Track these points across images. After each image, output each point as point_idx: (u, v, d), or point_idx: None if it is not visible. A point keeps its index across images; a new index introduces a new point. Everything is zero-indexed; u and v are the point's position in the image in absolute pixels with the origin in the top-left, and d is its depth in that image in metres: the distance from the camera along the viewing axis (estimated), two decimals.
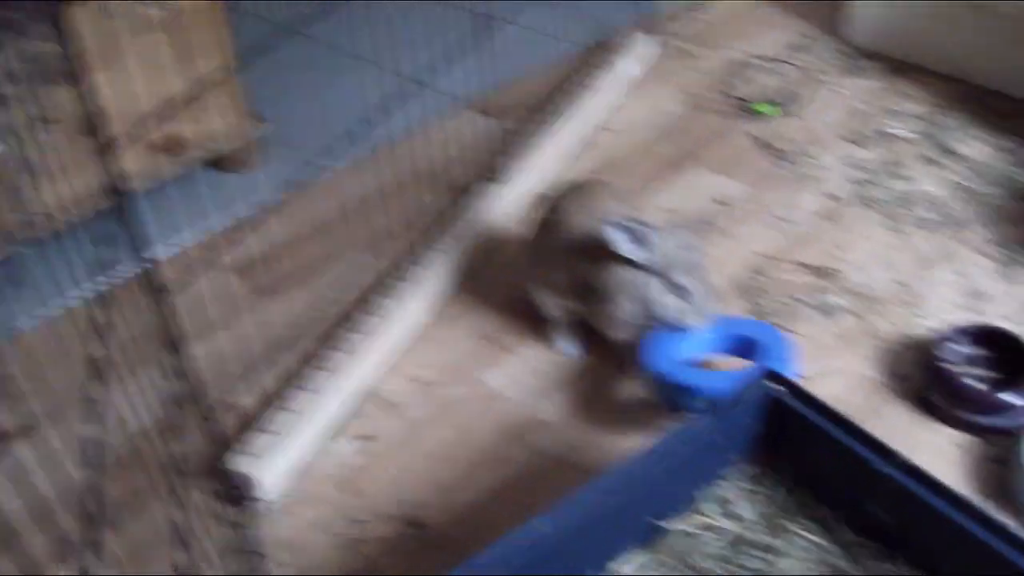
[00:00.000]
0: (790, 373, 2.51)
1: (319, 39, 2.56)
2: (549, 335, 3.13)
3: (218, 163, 3.73)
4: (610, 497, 2.14)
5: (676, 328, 2.78)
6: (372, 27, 2.80)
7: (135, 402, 2.06)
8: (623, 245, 2.72)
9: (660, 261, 2.74)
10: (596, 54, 4.48)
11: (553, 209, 2.99)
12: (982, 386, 2.79)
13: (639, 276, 2.77)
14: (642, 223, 2.74)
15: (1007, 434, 2.70)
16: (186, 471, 2.22)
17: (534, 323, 3.15)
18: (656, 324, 2.80)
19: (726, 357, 2.87)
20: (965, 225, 3.45)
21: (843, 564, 2.20)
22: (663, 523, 2.29)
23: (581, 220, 2.91)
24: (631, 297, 2.80)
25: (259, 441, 2.68)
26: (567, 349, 3.10)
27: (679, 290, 2.74)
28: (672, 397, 2.67)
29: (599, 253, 2.76)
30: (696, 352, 2.83)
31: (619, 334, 2.92)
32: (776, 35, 4.75)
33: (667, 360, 2.71)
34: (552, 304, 3.05)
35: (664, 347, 2.75)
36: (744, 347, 2.80)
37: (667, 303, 2.76)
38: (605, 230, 2.72)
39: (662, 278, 2.75)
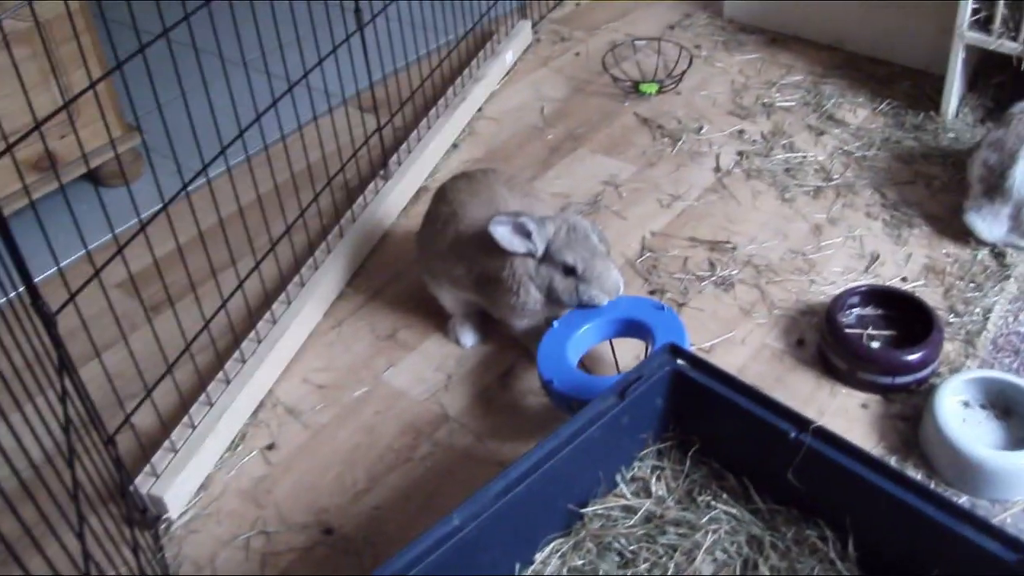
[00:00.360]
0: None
1: (189, 45, 2.49)
2: (448, 327, 3.10)
3: (95, 177, 3.65)
4: (523, 487, 2.11)
5: (581, 306, 2.78)
6: (243, 29, 2.75)
7: (29, 429, 1.98)
8: (508, 241, 2.73)
9: (548, 247, 2.75)
10: (473, 43, 4.46)
11: (445, 201, 2.95)
12: (880, 346, 2.81)
13: (530, 264, 2.77)
14: (522, 215, 2.73)
15: (909, 391, 2.73)
16: (88, 498, 2.15)
17: (432, 318, 3.12)
18: (559, 307, 2.81)
19: (621, 338, 2.86)
20: (852, 190, 3.49)
21: (760, 532, 2.20)
22: (581, 508, 2.27)
23: (474, 211, 2.89)
24: (527, 285, 2.79)
25: (160, 460, 2.61)
26: (465, 340, 3.07)
27: (571, 271, 2.74)
28: (561, 403, 2.66)
29: (493, 245, 2.74)
30: (589, 342, 2.83)
31: (521, 323, 2.90)
32: (654, 15, 4.77)
33: (556, 365, 2.69)
34: (450, 297, 3.01)
35: (555, 347, 2.73)
36: (636, 328, 2.80)
37: (563, 286, 2.76)
38: (491, 231, 2.71)
39: (552, 263, 2.75)
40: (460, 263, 2.90)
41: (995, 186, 3.12)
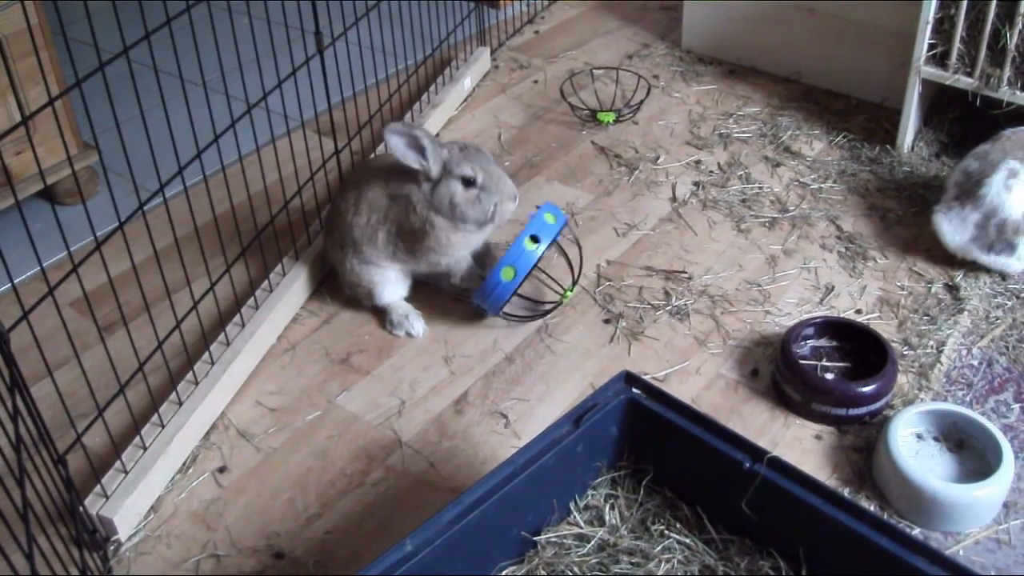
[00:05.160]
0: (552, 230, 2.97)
1: (148, 64, 2.48)
2: (391, 325, 3.16)
3: (51, 194, 3.62)
4: (477, 514, 2.10)
5: (488, 223, 3.00)
6: (203, 50, 2.74)
7: None
8: (402, 153, 2.88)
9: (444, 165, 2.92)
10: (431, 68, 4.46)
11: (349, 184, 3.12)
12: (835, 378, 2.83)
13: (425, 189, 2.94)
14: (417, 129, 2.87)
15: (862, 423, 2.74)
16: (37, 517, 2.12)
17: (387, 342, 3.11)
18: (468, 227, 2.99)
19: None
20: (808, 221, 3.51)
21: (713, 562, 2.20)
22: (534, 536, 2.27)
23: (371, 179, 3.05)
24: (429, 215, 2.95)
25: (110, 481, 2.58)
26: (416, 328, 3.14)
27: (470, 182, 2.92)
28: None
29: (396, 190, 2.98)
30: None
31: (444, 259, 3.06)
32: (613, 44, 4.80)
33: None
34: (386, 277, 3.12)
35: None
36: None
37: (465, 199, 2.93)
38: (386, 138, 2.85)
39: (449, 178, 2.92)
40: (380, 227, 3.04)
41: (969, 191, 3.15)
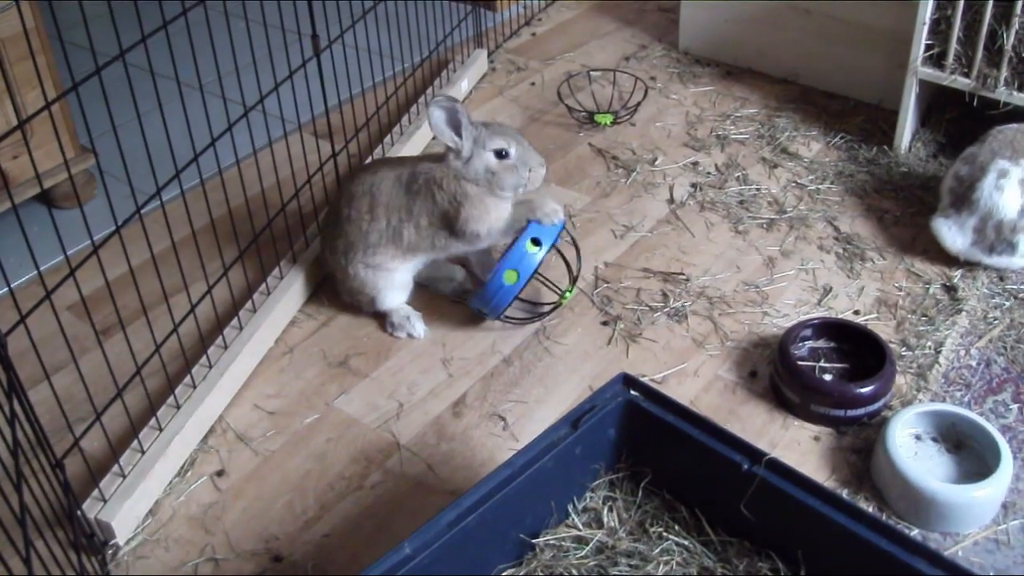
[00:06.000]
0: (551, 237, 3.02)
1: (145, 67, 2.48)
2: (392, 328, 3.17)
3: (48, 198, 3.62)
4: (475, 517, 2.10)
5: (522, 188, 3.04)
6: (199, 53, 2.73)
7: None
8: (440, 128, 2.94)
9: (472, 141, 2.98)
10: (428, 71, 4.46)
11: (356, 185, 3.10)
12: (833, 379, 2.83)
13: (458, 167, 2.98)
14: (457, 104, 2.94)
15: (861, 424, 2.74)
16: (35, 522, 2.12)
17: (384, 345, 3.11)
18: (504, 197, 3.03)
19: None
20: (805, 223, 3.51)
21: (712, 563, 2.20)
22: (533, 538, 2.26)
23: (380, 182, 3.07)
24: (466, 188, 2.98)
25: (108, 484, 2.58)
26: (418, 329, 3.16)
27: (503, 155, 2.98)
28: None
29: (413, 183, 3.02)
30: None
31: (488, 231, 3.05)
32: (610, 46, 4.80)
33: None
34: (395, 280, 3.14)
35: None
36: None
37: (501, 168, 2.98)
38: (430, 111, 2.92)
39: (481, 153, 2.97)
40: (405, 225, 3.05)
41: (963, 197, 3.16)
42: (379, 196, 3.04)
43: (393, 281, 3.12)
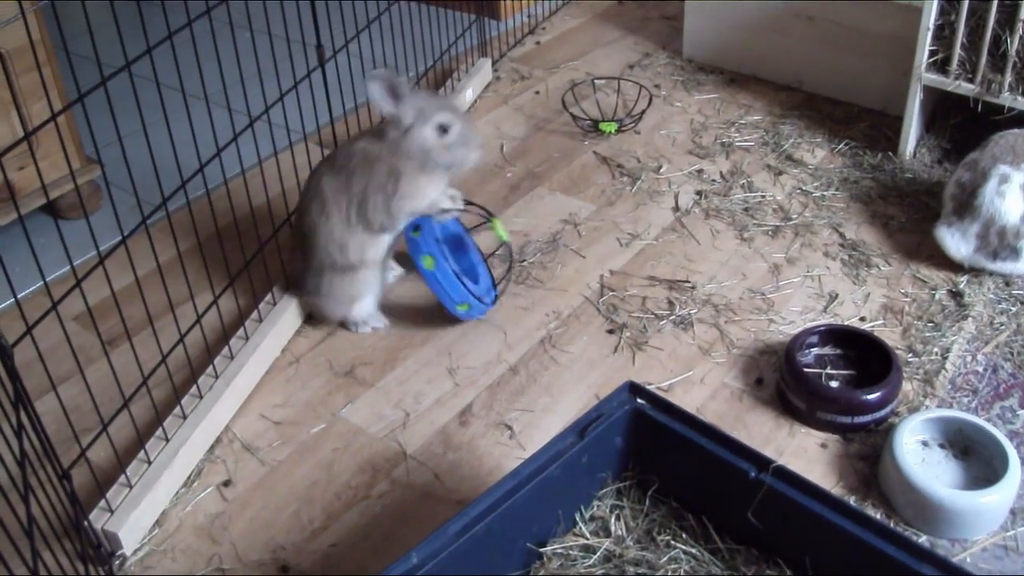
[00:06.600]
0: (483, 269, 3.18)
1: (151, 78, 2.48)
2: (355, 324, 3.21)
3: (54, 209, 3.62)
4: (483, 526, 2.09)
5: (455, 168, 3.05)
6: (204, 64, 2.74)
7: None
8: (380, 97, 2.91)
9: (417, 110, 2.95)
10: (433, 80, 4.46)
11: (310, 188, 3.09)
12: (839, 386, 2.82)
13: (404, 133, 2.96)
14: (395, 76, 2.93)
15: (867, 430, 2.73)
16: (42, 533, 2.13)
17: (391, 355, 3.11)
18: (437, 170, 3.02)
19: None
20: (811, 229, 3.50)
21: (720, 571, 2.19)
22: (540, 547, 2.26)
23: (319, 181, 3.05)
24: (407, 155, 2.96)
25: (115, 495, 2.58)
26: (377, 321, 3.21)
27: (445, 130, 2.95)
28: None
29: (347, 165, 3.01)
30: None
31: (419, 201, 3.04)
32: (614, 54, 4.80)
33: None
34: (363, 286, 3.12)
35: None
36: (457, 242, 3.25)
37: (437, 144, 2.96)
38: (367, 84, 2.89)
39: (423, 125, 2.95)
40: (352, 208, 3.01)
41: (966, 204, 3.16)
42: (324, 192, 3.02)
43: (367, 281, 3.12)
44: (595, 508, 2.36)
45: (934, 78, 3.57)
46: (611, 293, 3.29)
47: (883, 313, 3.14)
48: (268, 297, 3.21)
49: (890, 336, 3.03)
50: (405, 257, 3.25)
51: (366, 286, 3.12)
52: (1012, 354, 2.96)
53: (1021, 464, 2.52)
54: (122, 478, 2.62)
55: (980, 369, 2.92)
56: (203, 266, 2.94)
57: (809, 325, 3.03)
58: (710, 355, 3.04)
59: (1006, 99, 3.45)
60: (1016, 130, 3.26)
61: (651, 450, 2.36)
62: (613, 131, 4.13)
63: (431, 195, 3.03)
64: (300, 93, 3.14)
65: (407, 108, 2.93)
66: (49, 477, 2.27)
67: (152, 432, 2.75)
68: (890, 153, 3.86)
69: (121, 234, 2.48)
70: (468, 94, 4.38)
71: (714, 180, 3.82)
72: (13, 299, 2.20)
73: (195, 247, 2.93)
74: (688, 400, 2.88)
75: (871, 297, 3.21)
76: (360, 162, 2.99)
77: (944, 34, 3.53)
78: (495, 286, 3.22)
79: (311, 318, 3.25)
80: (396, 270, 3.39)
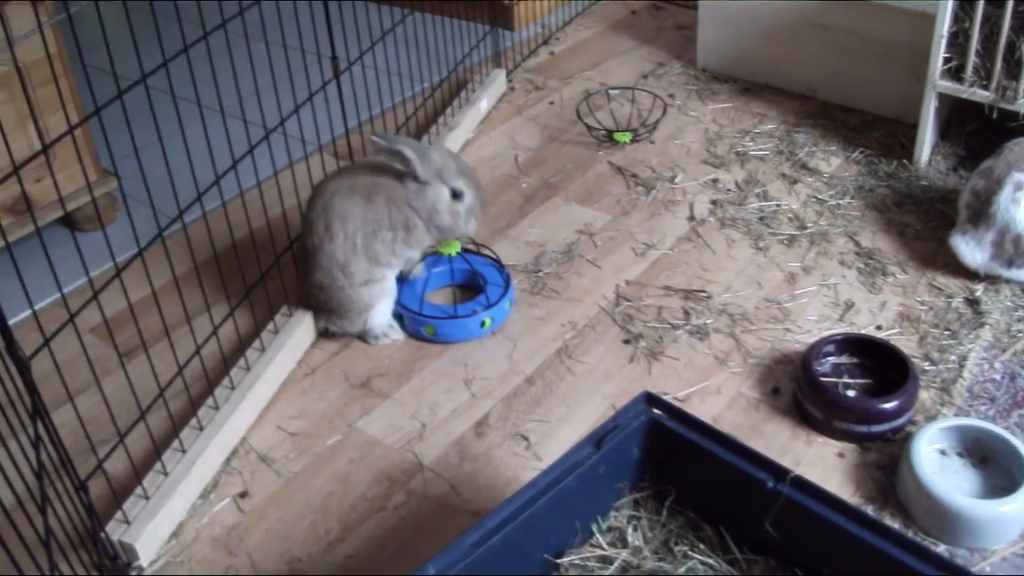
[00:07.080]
0: (505, 300, 3.21)
1: (166, 90, 2.49)
2: (374, 337, 3.21)
3: (70, 221, 3.64)
4: (500, 537, 2.09)
5: (450, 234, 3.14)
6: (220, 76, 2.75)
7: (2, 474, 1.96)
8: (389, 157, 2.99)
9: (435, 170, 3.03)
10: (447, 91, 4.47)
11: (311, 223, 3.08)
12: (856, 395, 2.82)
13: (420, 188, 3.02)
14: (401, 141, 2.98)
15: (885, 439, 2.73)
16: (59, 544, 2.13)
17: (406, 366, 3.11)
18: (438, 232, 3.11)
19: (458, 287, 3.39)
20: (826, 238, 3.50)
21: None
22: (557, 558, 2.26)
23: (333, 200, 3.05)
24: (416, 210, 3.03)
25: (131, 506, 2.59)
26: (396, 333, 3.23)
27: (457, 195, 3.04)
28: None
29: (392, 195, 3.03)
30: (434, 286, 3.36)
31: (411, 250, 3.14)
32: (628, 64, 4.80)
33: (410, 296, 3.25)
34: (378, 287, 3.13)
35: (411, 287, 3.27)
36: (471, 278, 3.35)
37: (449, 208, 3.05)
38: (404, 151, 2.95)
39: (439, 185, 3.03)
40: (367, 228, 3.04)
41: (980, 212, 3.15)
42: (333, 211, 3.02)
43: (383, 290, 3.14)
44: (612, 519, 2.36)
45: (949, 85, 3.57)
46: (627, 303, 3.29)
47: (899, 321, 3.13)
48: (284, 309, 3.22)
49: (907, 344, 3.02)
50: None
51: (374, 298, 3.13)
52: None
53: None
54: (139, 489, 2.62)
55: (998, 377, 2.91)
56: (219, 278, 2.95)
57: (825, 334, 3.02)
58: (726, 365, 3.04)
59: (1021, 105, 3.44)
60: None
61: (668, 460, 2.35)
62: (627, 141, 4.13)
63: (423, 248, 3.16)
64: (315, 105, 3.15)
65: (427, 167, 2.99)
66: (66, 488, 2.28)
67: (169, 443, 2.76)
68: (905, 161, 3.85)
69: (138, 246, 2.48)
70: (482, 105, 4.38)
71: (729, 189, 3.81)
72: (30, 311, 2.20)
73: (211, 259, 2.94)
74: (704, 410, 2.88)
75: (887, 305, 3.20)
76: (384, 201, 3.02)
77: (958, 41, 3.52)
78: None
79: (326, 331, 3.24)
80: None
